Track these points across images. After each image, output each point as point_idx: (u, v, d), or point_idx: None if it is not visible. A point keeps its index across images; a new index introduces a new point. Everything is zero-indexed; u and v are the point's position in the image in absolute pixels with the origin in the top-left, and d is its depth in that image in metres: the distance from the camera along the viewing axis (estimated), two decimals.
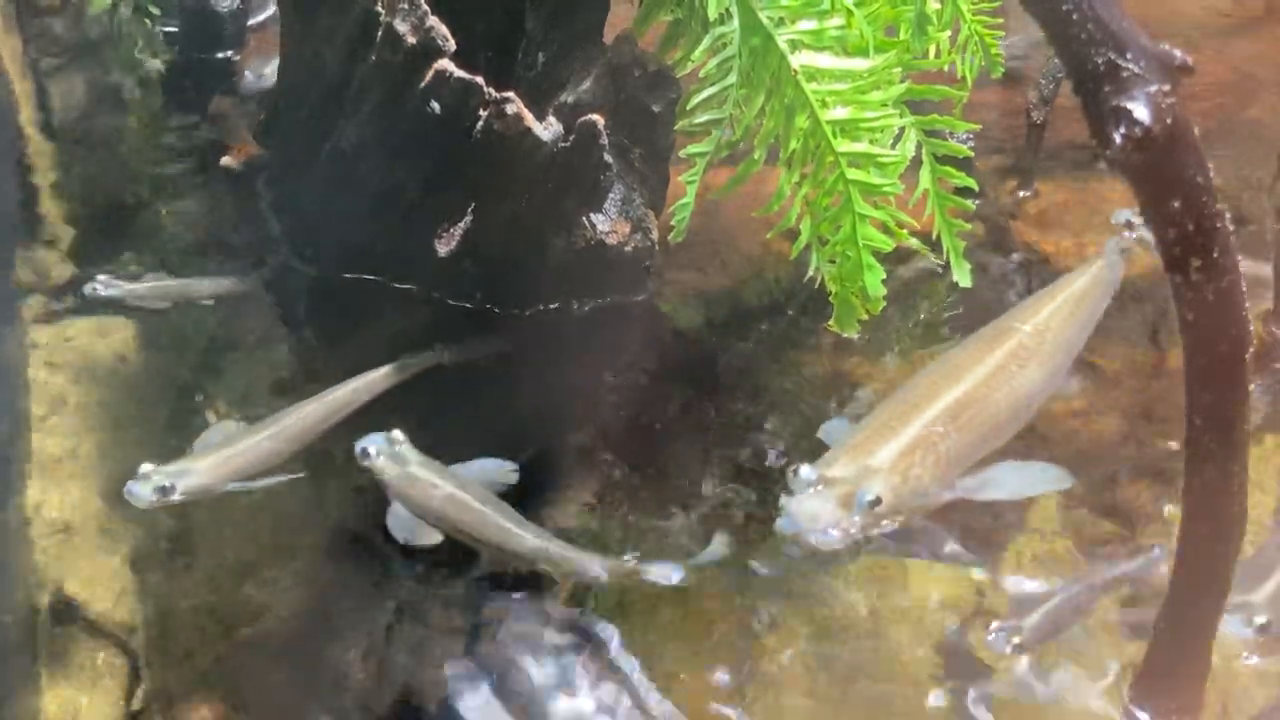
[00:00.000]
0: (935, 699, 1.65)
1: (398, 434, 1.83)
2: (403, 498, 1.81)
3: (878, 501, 1.66)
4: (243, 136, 2.69)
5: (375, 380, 2.06)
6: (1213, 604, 1.48)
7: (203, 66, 2.98)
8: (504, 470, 1.91)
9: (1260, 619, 1.67)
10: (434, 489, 1.79)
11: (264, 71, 2.88)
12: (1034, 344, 1.93)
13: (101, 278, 2.31)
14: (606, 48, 2.22)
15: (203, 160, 2.69)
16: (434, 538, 1.80)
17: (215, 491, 1.84)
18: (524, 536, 1.77)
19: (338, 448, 2.06)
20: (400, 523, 1.81)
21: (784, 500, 1.68)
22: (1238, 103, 2.96)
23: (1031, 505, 1.92)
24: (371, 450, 1.81)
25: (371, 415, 2.08)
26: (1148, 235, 2.43)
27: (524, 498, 1.91)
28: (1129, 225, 2.50)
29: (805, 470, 1.68)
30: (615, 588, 1.78)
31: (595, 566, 1.77)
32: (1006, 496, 1.83)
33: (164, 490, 1.80)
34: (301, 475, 1.90)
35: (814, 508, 1.65)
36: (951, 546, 1.85)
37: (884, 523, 1.68)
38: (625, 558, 1.78)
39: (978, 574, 1.82)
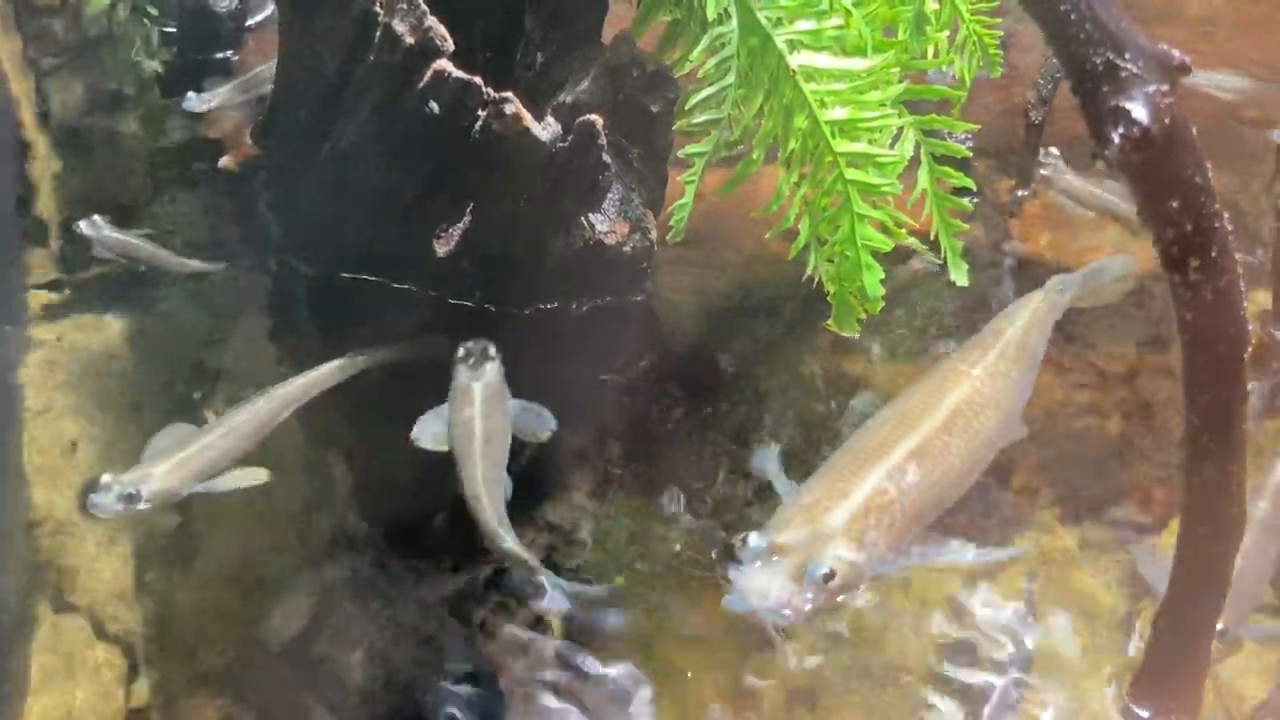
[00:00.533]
0: (936, 698, 1.65)
1: (492, 350, 2.02)
2: (450, 399, 1.97)
3: (831, 575, 1.55)
4: (241, 137, 2.69)
5: (324, 374, 2.08)
6: (1212, 603, 1.48)
7: (201, 67, 2.98)
8: (544, 423, 2.00)
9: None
10: (465, 409, 1.93)
11: (212, 93, 2.84)
12: (987, 388, 1.84)
13: (97, 218, 2.39)
14: (605, 48, 2.22)
15: (201, 161, 2.69)
16: (439, 446, 1.92)
17: (180, 495, 1.84)
18: (475, 486, 1.82)
19: (336, 447, 2.07)
20: (424, 425, 1.95)
21: (732, 573, 1.59)
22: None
23: (1031, 506, 1.93)
24: (461, 352, 2.01)
25: (368, 412, 2.09)
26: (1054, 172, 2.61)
27: (520, 496, 1.91)
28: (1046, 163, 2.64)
29: (754, 538, 1.58)
30: (615, 586, 1.78)
31: (509, 544, 1.77)
32: (970, 560, 1.76)
33: (130, 498, 1.79)
34: (266, 480, 1.90)
35: (763, 583, 1.54)
36: (949, 547, 1.85)
37: (839, 597, 1.59)
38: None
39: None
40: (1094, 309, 2.25)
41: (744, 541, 1.59)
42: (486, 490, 1.82)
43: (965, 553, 1.74)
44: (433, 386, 2.09)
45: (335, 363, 2.10)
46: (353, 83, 2.14)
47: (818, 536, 1.59)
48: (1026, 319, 2.01)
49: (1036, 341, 1.99)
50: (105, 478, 1.80)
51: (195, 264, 2.39)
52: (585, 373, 2.21)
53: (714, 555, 1.68)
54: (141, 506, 1.80)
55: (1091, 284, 2.17)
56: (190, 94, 2.82)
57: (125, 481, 1.80)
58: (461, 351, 2.02)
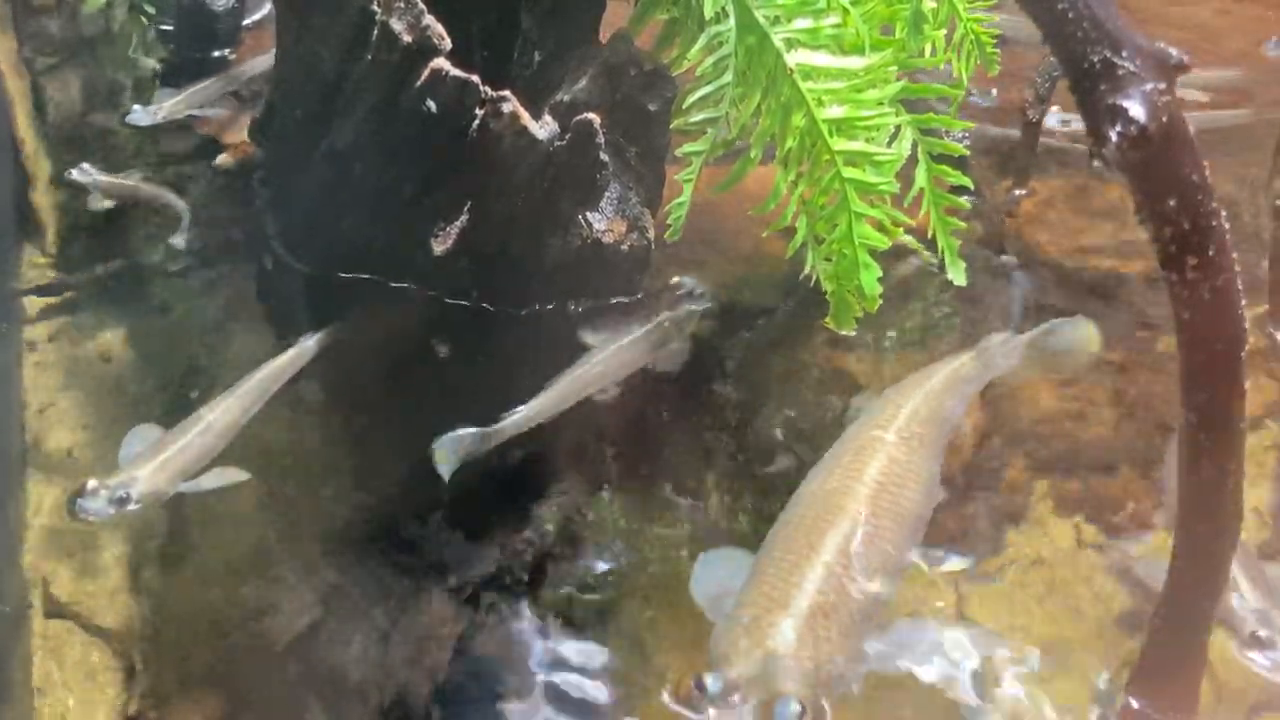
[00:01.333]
0: (933, 695, 1.65)
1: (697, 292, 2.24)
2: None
3: (803, 711, 1.40)
4: (239, 135, 2.68)
5: (286, 362, 2.11)
6: (1209, 601, 1.48)
7: (198, 65, 2.97)
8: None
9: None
10: (631, 335, 2.15)
11: (159, 105, 2.81)
12: (905, 455, 1.69)
13: (85, 165, 2.55)
14: (602, 47, 2.22)
15: (199, 159, 2.69)
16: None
17: (167, 495, 1.85)
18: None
19: (334, 443, 2.07)
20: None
21: None
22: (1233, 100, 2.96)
23: (1028, 504, 1.93)
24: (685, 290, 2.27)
25: (344, 400, 2.10)
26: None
27: (520, 494, 1.91)
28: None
29: (711, 682, 1.42)
30: (614, 585, 1.78)
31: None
32: (932, 673, 1.60)
33: (121, 501, 1.80)
34: (247, 478, 1.91)
35: None
36: (945, 548, 1.86)
37: None
38: None
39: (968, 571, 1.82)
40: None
41: (700, 688, 1.43)
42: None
43: (929, 661, 1.61)
44: (442, 383, 2.10)
45: (290, 352, 2.13)
46: (350, 81, 2.14)
47: (772, 663, 1.44)
48: (945, 378, 1.88)
49: (953, 404, 1.84)
50: (92, 483, 1.81)
51: (174, 199, 2.53)
52: None
53: (674, 694, 1.54)
54: (131, 508, 1.80)
55: (1038, 351, 1.95)
56: (136, 107, 2.79)
57: (113, 485, 1.81)
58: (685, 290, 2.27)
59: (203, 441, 1.91)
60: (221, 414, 1.97)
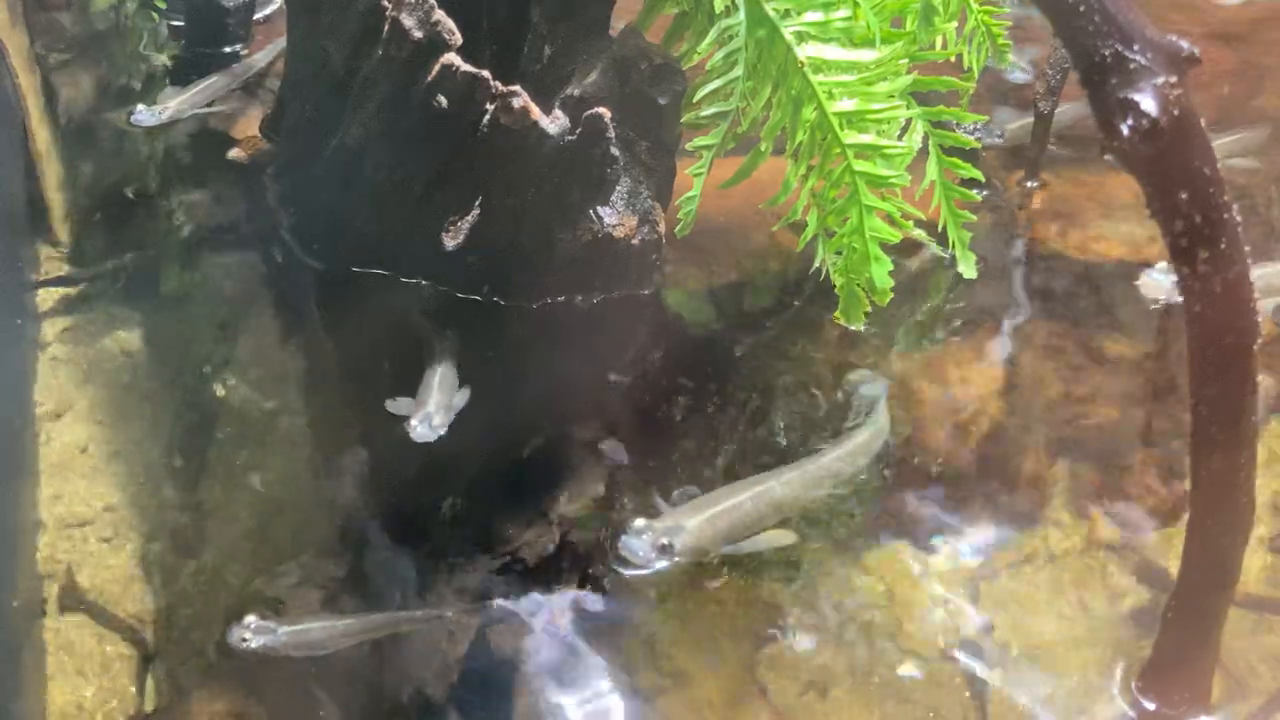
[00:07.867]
0: (943, 689, 1.65)
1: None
2: None
3: None
4: (250, 130, 2.69)
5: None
6: (1221, 594, 1.48)
7: (209, 61, 2.98)
8: None
9: None
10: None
11: (164, 105, 2.79)
12: None
13: (140, 107, 2.73)
14: (612, 41, 2.22)
15: (210, 154, 2.69)
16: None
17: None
18: None
19: (347, 435, 2.08)
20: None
21: None
22: (1246, 91, 2.95)
23: (1040, 496, 1.93)
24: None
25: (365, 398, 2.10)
26: None
27: (530, 488, 1.92)
28: None
29: None
30: (625, 581, 1.79)
31: None
32: None
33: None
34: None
35: None
36: (958, 537, 1.86)
37: None
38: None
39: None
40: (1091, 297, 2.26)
41: None
42: None
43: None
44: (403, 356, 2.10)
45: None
46: (360, 77, 2.14)
47: None
48: None
49: None
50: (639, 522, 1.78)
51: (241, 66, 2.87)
52: (593, 366, 2.22)
53: None
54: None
55: None
56: (140, 106, 2.75)
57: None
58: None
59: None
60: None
